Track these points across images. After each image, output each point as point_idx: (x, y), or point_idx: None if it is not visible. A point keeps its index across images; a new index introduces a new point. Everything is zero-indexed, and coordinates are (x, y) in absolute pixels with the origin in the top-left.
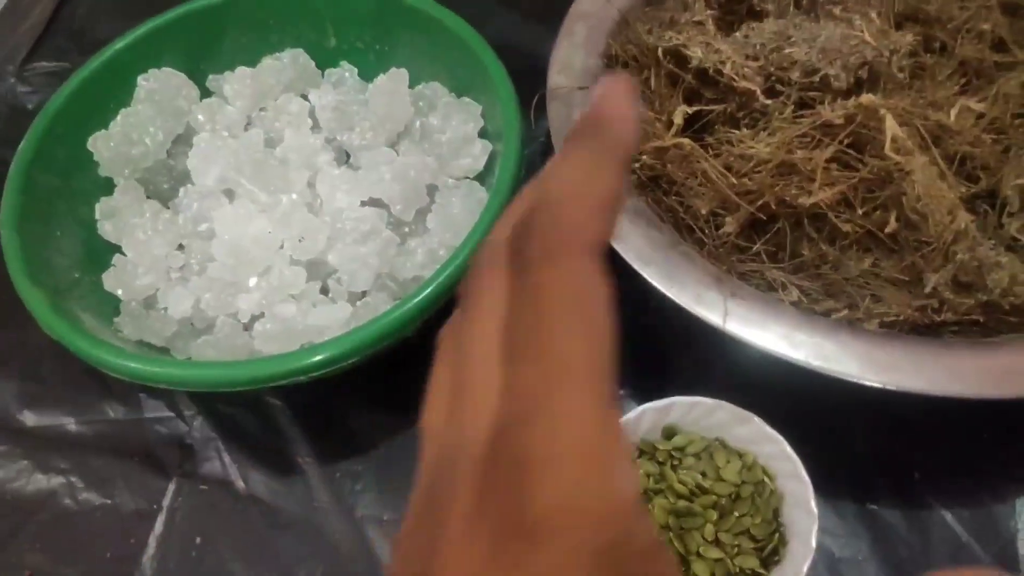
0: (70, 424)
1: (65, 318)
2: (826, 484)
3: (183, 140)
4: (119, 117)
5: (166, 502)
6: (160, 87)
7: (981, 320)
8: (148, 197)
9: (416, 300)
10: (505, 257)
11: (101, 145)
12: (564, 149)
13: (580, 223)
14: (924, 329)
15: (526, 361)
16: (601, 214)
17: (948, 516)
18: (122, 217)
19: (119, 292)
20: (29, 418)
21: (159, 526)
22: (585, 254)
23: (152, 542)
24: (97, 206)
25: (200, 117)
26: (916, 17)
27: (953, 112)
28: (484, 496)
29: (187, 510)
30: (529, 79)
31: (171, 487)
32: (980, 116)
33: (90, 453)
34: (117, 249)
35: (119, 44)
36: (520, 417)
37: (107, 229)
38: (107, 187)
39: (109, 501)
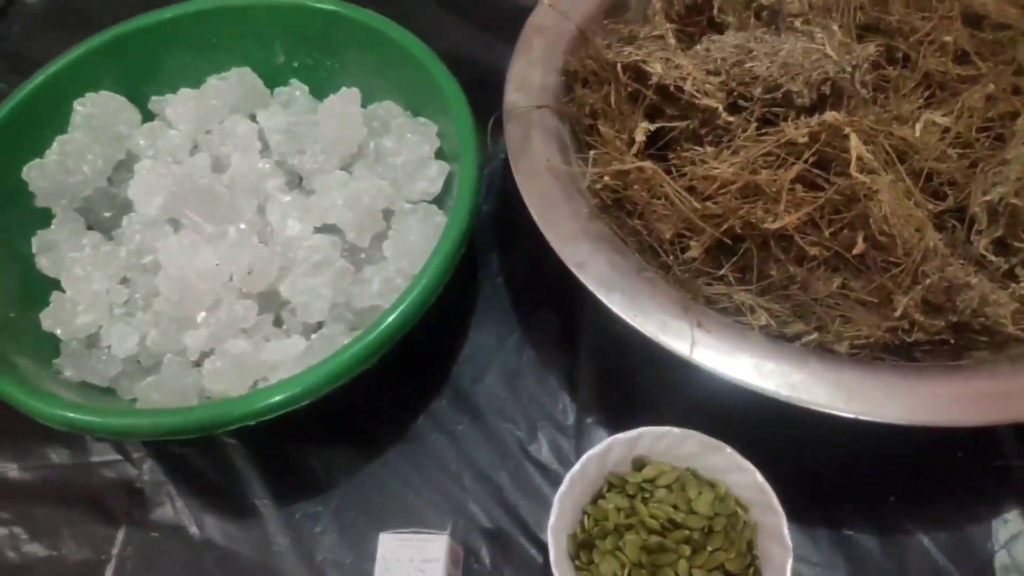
0: (11, 470)
1: None
2: (800, 511)
3: (125, 166)
4: (55, 144)
5: (115, 551)
6: (98, 111)
7: (951, 340)
8: (89, 228)
9: (374, 334)
10: None
11: (36, 175)
12: None
13: None
14: (895, 349)
15: None
16: None
17: (924, 540)
18: (60, 251)
19: (58, 331)
20: None
21: None
22: None
23: None
24: (34, 240)
25: (141, 142)
26: (878, 28)
27: (918, 127)
28: None
29: (138, 559)
30: (484, 94)
31: (120, 535)
32: (945, 130)
33: (33, 501)
34: (56, 284)
35: (53, 67)
36: None
37: (44, 264)
38: (44, 219)
39: (55, 552)
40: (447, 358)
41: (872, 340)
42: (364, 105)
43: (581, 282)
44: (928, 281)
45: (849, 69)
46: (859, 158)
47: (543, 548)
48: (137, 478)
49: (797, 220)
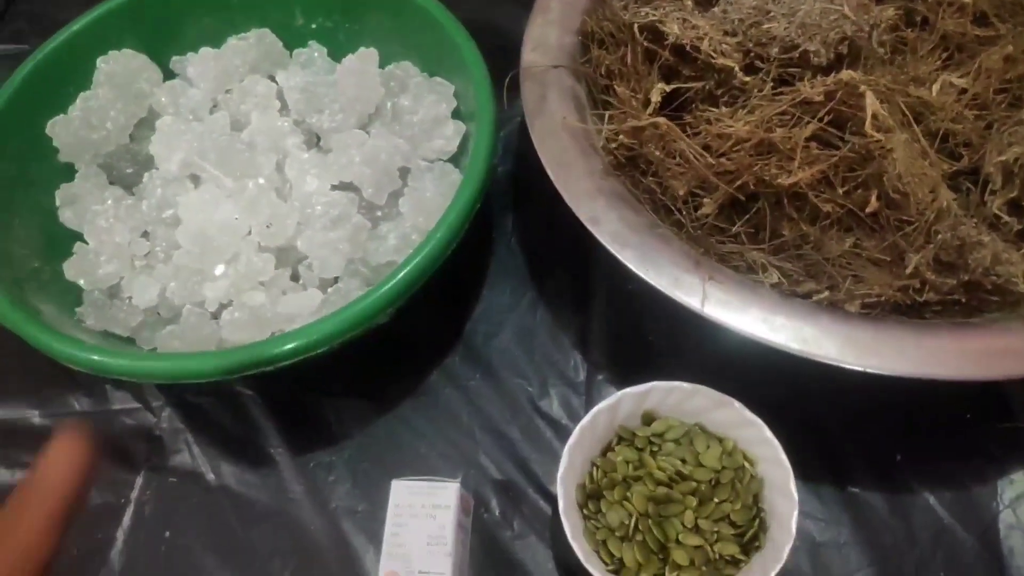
0: (34, 417)
1: (23, 310)
2: (806, 468)
3: (146, 124)
4: (78, 101)
5: (134, 495)
6: (121, 69)
7: (963, 300)
8: (110, 183)
9: (388, 286)
10: None
11: (60, 130)
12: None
13: None
14: (906, 309)
15: None
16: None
17: (930, 499)
18: (83, 204)
19: (81, 281)
20: None
21: (127, 520)
22: None
23: (120, 537)
24: (57, 193)
25: (163, 100)
26: None
27: (935, 88)
28: None
29: (156, 503)
30: (502, 58)
31: (139, 480)
32: (962, 92)
33: None
34: (79, 237)
35: (77, 25)
36: None
37: (68, 216)
38: (67, 173)
39: None
40: (461, 316)
41: (883, 299)
42: (382, 66)
43: (594, 241)
44: (940, 238)
45: (867, 29)
46: (874, 116)
47: (552, 499)
48: (156, 426)
49: (811, 177)
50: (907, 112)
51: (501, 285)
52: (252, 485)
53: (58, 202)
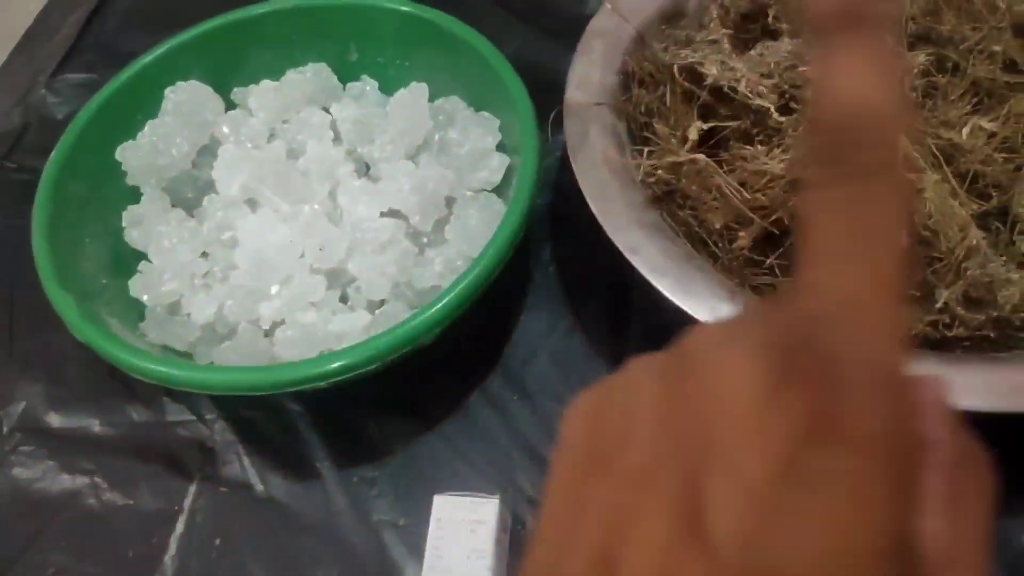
0: (94, 426)
1: (93, 322)
2: None
3: (208, 151)
4: (147, 128)
5: (187, 503)
6: (187, 99)
7: (992, 336)
8: (173, 206)
9: (435, 309)
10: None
11: (129, 155)
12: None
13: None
14: (936, 344)
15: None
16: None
17: None
18: (148, 225)
19: (144, 297)
20: (55, 419)
21: (180, 527)
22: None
23: (173, 542)
24: (124, 214)
25: (225, 129)
26: (928, 38)
27: (965, 131)
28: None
29: (207, 512)
30: (546, 95)
31: (192, 489)
32: (992, 135)
33: (114, 455)
34: (143, 256)
35: (147, 58)
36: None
37: (134, 236)
38: (134, 196)
39: (132, 502)
40: (499, 340)
41: (913, 333)
42: (431, 100)
43: (632, 271)
44: (970, 275)
45: (899, 73)
46: (906, 156)
47: None
48: (209, 438)
49: None
50: (938, 154)
51: (538, 312)
52: (298, 497)
53: (125, 223)
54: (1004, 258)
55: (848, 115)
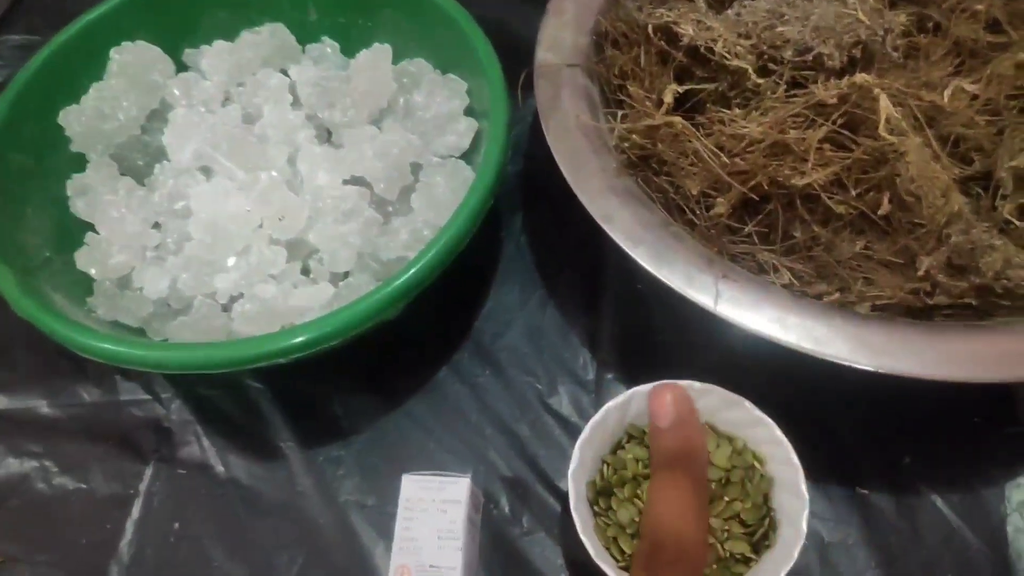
0: (43, 407)
1: (35, 297)
2: (816, 468)
3: (158, 116)
4: (91, 91)
5: (143, 487)
6: (133, 60)
7: (974, 303)
8: (122, 174)
9: (400, 281)
10: None
11: (73, 120)
12: (661, 479)
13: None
14: (917, 312)
15: None
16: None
17: (938, 500)
18: (95, 194)
19: (92, 271)
20: (0, 401)
21: (136, 511)
22: None
23: (129, 527)
24: (69, 183)
25: (176, 92)
26: None
27: (947, 93)
28: None
29: (164, 495)
30: (515, 58)
31: (148, 471)
32: (974, 97)
33: (64, 437)
34: (90, 227)
35: (91, 15)
36: None
37: (79, 207)
38: (79, 164)
39: (84, 486)
40: (469, 314)
41: (894, 302)
42: (395, 62)
43: (605, 241)
44: (952, 242)
45: (881, 33)
46: (887, 119)
47: (561, 496)
48: (165, 417)
49: (824, 178)
50: (919, 116)
51: (510, 284)
52: (261, 478)
53: (70, 192)
54: (987, 224)
55: (667, 536)
